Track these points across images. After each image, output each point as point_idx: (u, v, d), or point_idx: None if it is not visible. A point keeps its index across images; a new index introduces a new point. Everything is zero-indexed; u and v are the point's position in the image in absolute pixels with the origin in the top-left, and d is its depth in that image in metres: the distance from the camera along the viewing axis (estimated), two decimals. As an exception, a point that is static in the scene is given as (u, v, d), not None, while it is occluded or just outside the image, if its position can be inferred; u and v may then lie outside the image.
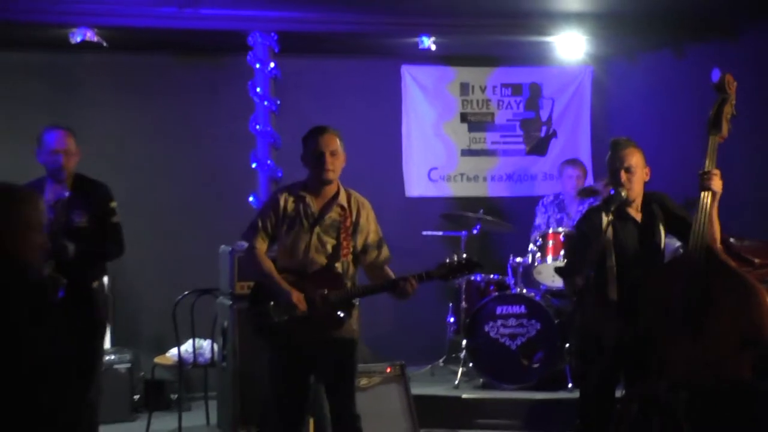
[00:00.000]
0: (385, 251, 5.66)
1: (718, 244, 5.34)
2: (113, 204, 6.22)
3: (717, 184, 5.25)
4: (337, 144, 5.55)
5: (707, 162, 5.29)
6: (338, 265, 5.50)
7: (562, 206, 8.79)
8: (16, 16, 7.65)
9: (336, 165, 5.53)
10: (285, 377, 5.58)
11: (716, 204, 5.27)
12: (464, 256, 5.59)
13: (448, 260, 5.54)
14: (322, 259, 5.51)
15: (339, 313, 5.45)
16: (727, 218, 7.51)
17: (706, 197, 5.23)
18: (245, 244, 5.70)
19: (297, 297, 5.41)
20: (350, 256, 5.53)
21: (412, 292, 5.44)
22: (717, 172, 5.26)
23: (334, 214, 5.53)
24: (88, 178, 6.25)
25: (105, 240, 6.15)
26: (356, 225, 5.56)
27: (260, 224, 5.64)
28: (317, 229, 5.52)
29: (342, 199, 5.57)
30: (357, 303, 5.64)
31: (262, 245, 5.64)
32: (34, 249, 3.53)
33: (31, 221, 3.55)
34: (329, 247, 5.52)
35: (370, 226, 5.61)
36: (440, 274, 5.51)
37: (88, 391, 6.09)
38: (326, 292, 5.43)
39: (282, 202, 5.61)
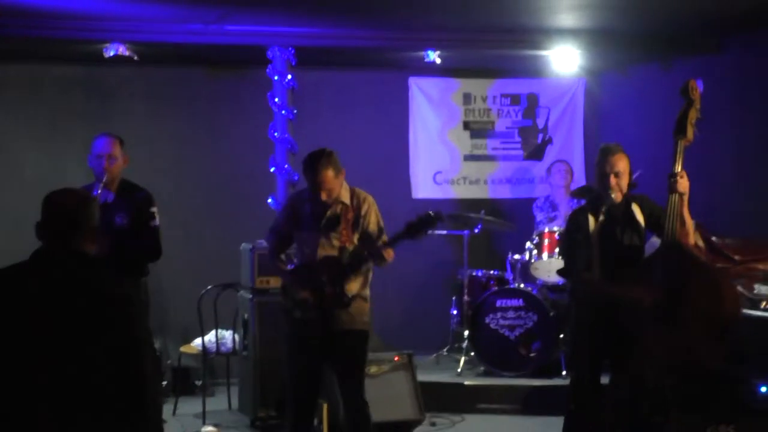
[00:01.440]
0: (383, 241, 5.63)
1: (691, 241, 5.33)
2: (153, 209, 6.20)
3: (684, 185, 5.21)
4: (330, 180, 5.47)
5: (675, 165, 5.24)
6: (342, 253, 5.53)
7: (554, 206, 8.82)
8: (56, 33, 7.66)
9: (333, 187, 5.49)
10: (300, 365, 5.63)
11: (686, 203, 5.24)
12: (427, 212, 5.51)
13: (411, 220, 5.46)
14: (329, 252, 5.55)
15: (346, 294, 5.47)
16: (711, 218, 7.54)
17: (675, 198, 5.19)
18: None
19: (303, 294, 5.51)
20: (350, 245, 5.52)
21: (388, 258, 5.45)
22: (684, 174, 5.22)
23: (333, 212, 5.56)
24: (133, 184, 6.24)
25: (143, 242, 6.13)
26: (357, 217, 5.58)
27: (276, 227, 5.81)
28: (321, 227, 5.56)
29: (344, 197, 5.58)
30: (368, 295, 5.68)
31: (278, 245, 5.80)
32: (93, 247, 3.60)
33: (96, 222, 3.62)
34: (335, 241, 5.55)
35: (370, 218, 5.60)
36: (408, 235, 5.44)
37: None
38: (328, 278, 5.47)
39: (293, 207, 5.72)
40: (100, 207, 5.78)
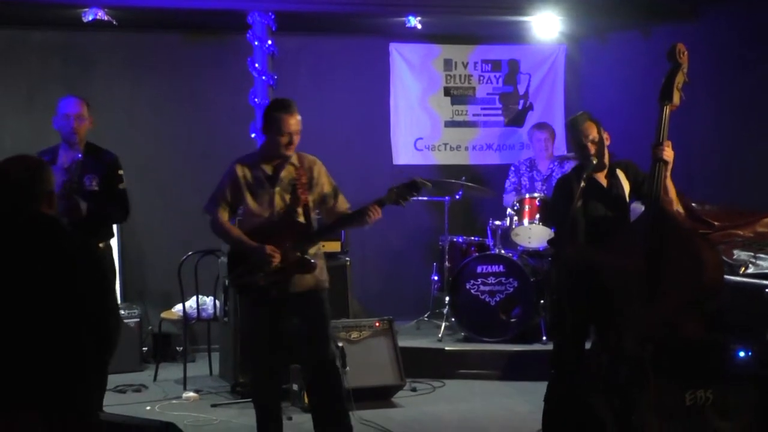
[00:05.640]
0: (342, 200, 5.58)
1: (675, 207, 5.30)
2: (121, 172, 6.17)
3: (669, 154, 5.14)
4: (299, 124, 5.44)
5: (660, 133, 5.17)
6: (300, 216, 5.45)
7: (533, 165, 8.80)
8: (35, -2, 7.61)
9: (297, 142, 5.46)
10: (264, 331, 5.50)
11: (669, 172, 5.20)
12: (412, 179, 5.48)
13: (395, 186, 5.45)
14: (286, 215, 5.46)
15: (310, 259, 5.39)
16: (689, 184, 7.55)
17: (659, 167, 5.14)
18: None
19: (270, 249, 5.33)
20: (310, 205, 5.45)
21: (373, 217, 5.36)
22: (669, 143, 5.16)
23: (287, 173, 5.47)
24: (99, 147, 6.21)
25: (114, 205, 6.10)
26: (311, 180, 5.50)
27: (220, 195, 5.58)
28: (277, 189, 5.46)
29: (294, 159, 5.50)
30: (322, 254, 5.60)
31: (224, 214, 5.57)
32: (54, 209, 3.69)
33: (51, 186, 3.69)
34: (290, 203, 5.45)
35: (322, 179, 5.53)
36: (391, 200, 5.41)
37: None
38: (292, 242, 5.37)
39: (240, 172, 5.53)
40: (73, 167, 5.83)
